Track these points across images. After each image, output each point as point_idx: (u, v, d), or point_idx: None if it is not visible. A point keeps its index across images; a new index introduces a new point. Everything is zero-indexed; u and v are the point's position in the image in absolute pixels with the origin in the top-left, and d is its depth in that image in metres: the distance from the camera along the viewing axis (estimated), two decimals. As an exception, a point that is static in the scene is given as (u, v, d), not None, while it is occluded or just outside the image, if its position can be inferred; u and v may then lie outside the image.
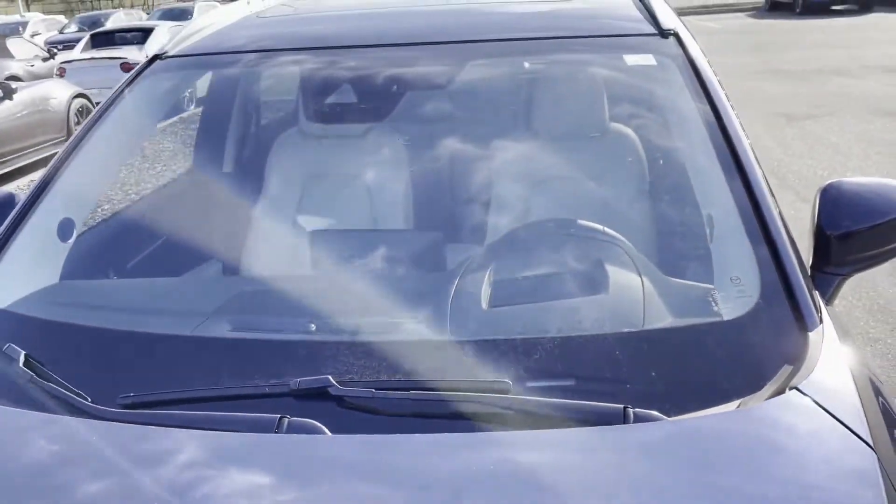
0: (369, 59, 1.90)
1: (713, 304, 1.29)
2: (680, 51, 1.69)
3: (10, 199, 1.85)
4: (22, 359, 1.28)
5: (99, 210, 1.98)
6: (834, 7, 18.01)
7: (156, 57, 2.02)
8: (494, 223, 1.83)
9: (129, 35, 11.19)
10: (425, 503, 0.98)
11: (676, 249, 1.57)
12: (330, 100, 2.13)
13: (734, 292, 1.28)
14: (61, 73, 10.29)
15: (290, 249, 2.01)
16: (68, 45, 15.39)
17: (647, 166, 1.81)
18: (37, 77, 10.49)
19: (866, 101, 8.23)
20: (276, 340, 1.34)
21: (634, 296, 1.31)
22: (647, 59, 1.69)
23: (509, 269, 1.43)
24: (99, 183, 1.90)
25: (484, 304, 1.34)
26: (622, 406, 1.06)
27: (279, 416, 1.10)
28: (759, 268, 1.27)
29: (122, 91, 1.94)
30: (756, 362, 1.16)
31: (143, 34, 11.00)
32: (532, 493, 0.97)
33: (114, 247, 2.07)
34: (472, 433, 1.08)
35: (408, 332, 1.32)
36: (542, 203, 1.77)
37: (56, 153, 1.84)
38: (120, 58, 10.37)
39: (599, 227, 1.58)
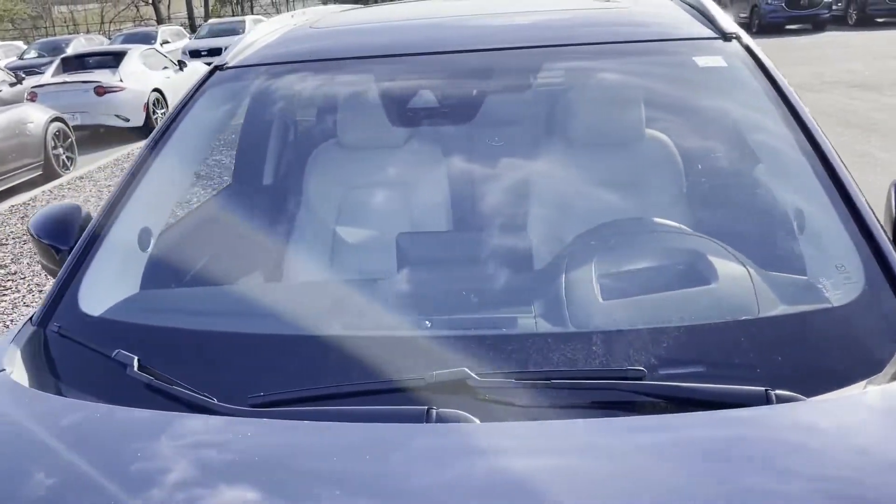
0: (416, 68, 1.94)
1: (823, 291, 1.34)
2: (745, 53, 1.76)
3: (76, 211, 1.84)
4: (136, 363, 1.28)
5: (172, 219, 1.97)
6: (788, 27, 18.63)
7: (216, 68, 2.03)
8: (553, 228, 1.87)
9: (101, 59, 11.05)
10: (592, 483, 1.00)
11: (766, 243, 1.62)
12: (372, 110, 2.15)
13: (840, 279, 1.34)
14: (32, 97, 10.12)
15: (328, 255, 2.03)
16: (30, 70, 15.16)
17: (724, 165, 1.87)
18: (6, 103, 10.29)
19: (834, 115, 8.52)
20: (395, 337, 1.35)
21: (744, 285, 1.36)
22: (717, 61, 1.75)
23: (612, 262, 1.47)
24: (173, 191, 1.90)
25: (599, 297, 1.37)
26: (764, 388, 1.10)
27: (426, 407, 1.12)
28: (860, 256, 1.33)
29: (187, 102, 1.95)
30: (875, 344, 1.22)
31: (115, 58, 10.88)
32: (697, 466, 1.01)
33: (185, 255, 2.06)
34: (617, 418, 1.11)
35: (528, 325, 1.34)
36: (623, 201, 1.81)
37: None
38: (94, 81, 10.23)
39: (680, 226, 1.63)
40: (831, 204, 1.42)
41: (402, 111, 2.09)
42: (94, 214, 1.73)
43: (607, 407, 1.14)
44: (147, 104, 10.63)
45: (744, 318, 1.29)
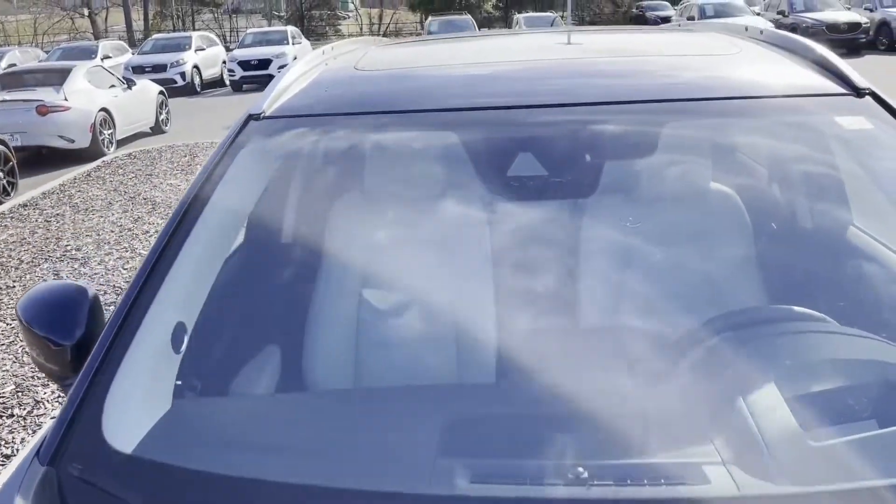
0: (481, 121, 1.63)
1: None
2: (884, 111, 1.53)
3: (81, 295, 1.47)
4: None
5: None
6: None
7: (250, 117, 1.70)
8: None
9: (43, 76, 10.39)
10: None
11: None
12: (429, 164, 1.83)
13: None
14: (-34, 116, 9.42)
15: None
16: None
17: (862, 245, 1.63)
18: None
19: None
20: (538, 498, 1.03)
21: None
22: (861, 122, 1.51)
23: (800, 378, 1.19)
24: (210, 274, 1.54)
25: (804, 434, 1.08)
26: None
27: None
28: None
29: (221, 158, 1.60)
30: None
31: (59, 75, 10.24)
32: None
33: (218, 348, 1.71)
34: None
35: (722, 479, 1.03)
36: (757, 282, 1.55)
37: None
38: (36, 100, 9.59)
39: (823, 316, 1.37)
40: None
41: (498, 178, 1.77)
42: (115, 300, 1.37)
43: None
44: (94, 124, 10.02)
45: None
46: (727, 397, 1.15)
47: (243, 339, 1.92)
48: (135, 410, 1.24)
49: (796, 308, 1.54)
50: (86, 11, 37.47)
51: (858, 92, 1.57)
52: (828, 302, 1.57)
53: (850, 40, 18.45)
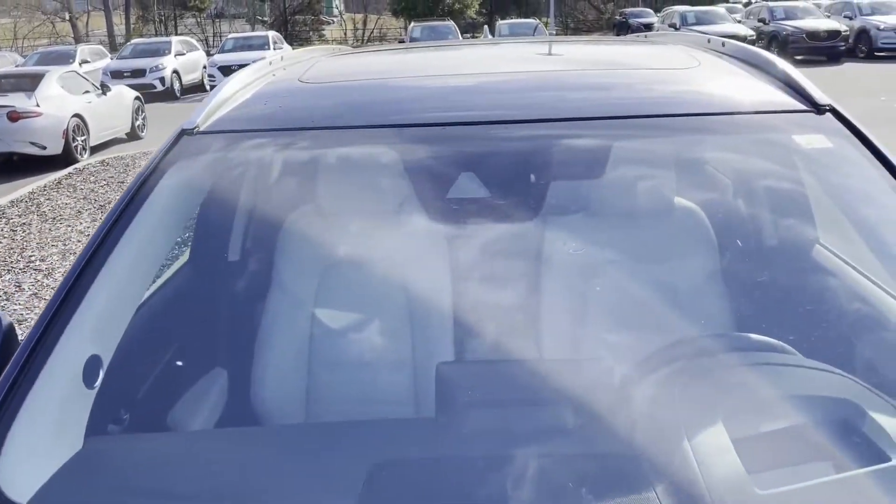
0: (425, 138, 1.54)
1: None
2: (843, 127, 1.46)
3: (10, 333, 1.36)
4: None
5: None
6: (803, 58, 18.93)
7: (183, 132, 1.60)
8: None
9: (15, 81, 10.22)
10: None
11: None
12: (369, 181, 1.74)
13: None
14: (-65, 122, 9.24)
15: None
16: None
17: (828, 264, 1.56)
18: None
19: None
20: None
21: None
22: (820, 141, 1.44)
23: (746, 418, 1.11)
24: (130, 303, 1.44)
25: (752, 482, 1.00)
26: None
27: None
28: None
29: (148, 176, 1.51)
30: None
31: (31, 80, 10.07)
32: None
33: (136, 376, 1.61)
34: None
35: None
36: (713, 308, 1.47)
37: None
38: (7, 106, 9.42)
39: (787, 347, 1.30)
40: None
41: (437, 199, 1.68)
42: (26, 327, 1.27)
43: None
44: (66, 131, 9.86)
45: None
46: (673, 439, 1.07)
47: (184, 367, 1.82)
48: (37, 455, 1.14)
49: (753, 336, 1.46)
50: (67, 15, 37.16)
51: (819, 108, 1.50)
52: (791, 325, 1.50)
53: (829, 48, 18.58)
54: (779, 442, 1.07)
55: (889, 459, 1.02)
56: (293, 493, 1.07)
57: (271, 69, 1.99)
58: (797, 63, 18.58)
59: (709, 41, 2.04)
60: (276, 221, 1.87)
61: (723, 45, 1.94)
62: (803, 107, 1.51)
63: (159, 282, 2.06)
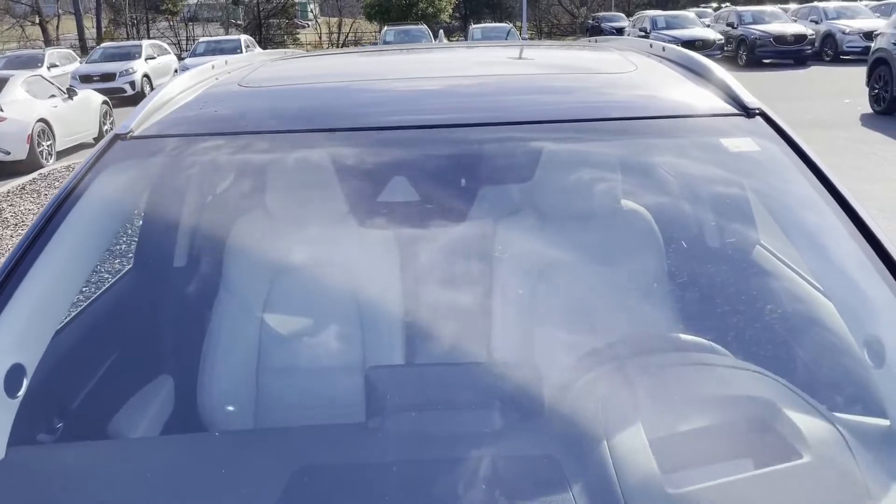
0: (359, 142, 1.55)
1: None
2: (772, 131, 1.49)
3: None
4: None
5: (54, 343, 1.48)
6: (765, 60, 19.30)
7: (116, 137, 1.58)
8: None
9: (-23, 85, 10.06)
10: None
11: (828, 375, 1.33)
12: (306, 186, 1.74)
13: None
14: None
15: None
16: None
17: (763, 267, 1.58)
18: None
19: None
20: None
21: (839, 456, 1.04)
22: (748, 144, 1.46)
23: (664, 417, 1.12)
24: (57, 311, 1.42)
25: (663, 481, 1.02)
26: None
27: None
28: None
29: (77, 183, 1.49)
30: None
31: (-6, 85, 9.93)
32: None
33: (73, 380, 1.59)
34: None
35: None
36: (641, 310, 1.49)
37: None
38: (-32, 112, 9.27)
39: (715, 346, 1.32)
40: None
41: (370, 202, 1.68)
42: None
43: None
44: (31, 136, 9.72)
45: None
46: (593, 440, 1.09)
47: (127, 374, 1.80)
48: None
49: (684, 336, 1.49)
50: (36, 19, 36.66)
51: (749, 112, 1.53)
52: (730, 326, 1.52)
53: (796, 51, 18.88)
54: (694, 441, 1.09)
55: (801, 457, 1.04)
56: (208, 500, 1.07)
57: (214, 73, 1.97)
58: (765, 66, 18.99)
59: (650, 46, 2.07)
60: (220, 226, 1.85)
61: (663, 49, 1.96)
62: (734, 110, 1.54)
63: (103, 289, 2.04)
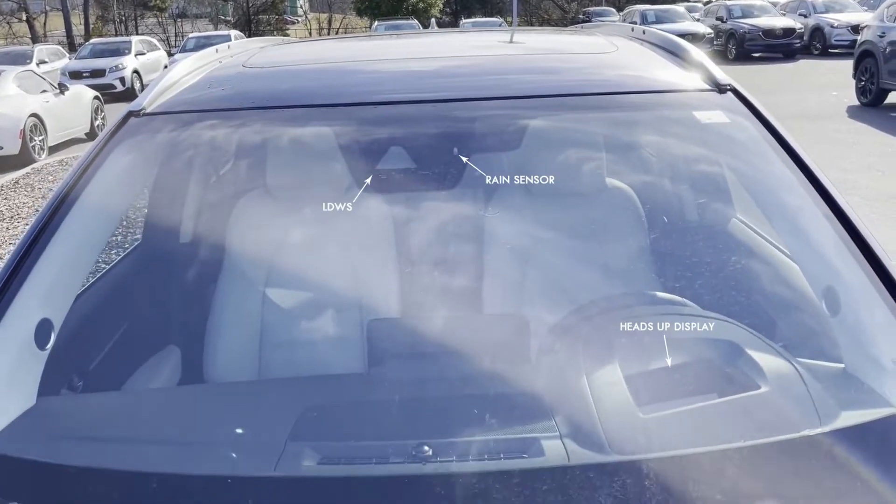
0: (358, 117, 1.65)
1: (872, 385, 1.16)
2: (743, 106, 1.60)
3: None
4: None
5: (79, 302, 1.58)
6: (754, 54, 19.41)
7: (130, 113, 1.68)
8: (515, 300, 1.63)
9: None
10: None
11: (790, 324, 1.44)
12: (309, 159, 1.84)
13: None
14: None
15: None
16: None
17: (732, 231, 1.69)
18: None
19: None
20: (387, 476, 1.06)
21: (797, 387, 1.16)
22: (718, 116, 1.57)
23: (637, 357, 1.24)
24: (79, 271, 1.52)
25: (637, 409, 1.13)
26: None
27: None
28: None
29: (95, 156, 1.59)
30: None
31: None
32: None
33: (90, 346, 1.68)
34: None
35: (557, 451, 1.08)
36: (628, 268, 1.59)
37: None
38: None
39: (683, 300, 1.43)
40: (867, 280, 1.25)
41: (368, 171, 1.79)
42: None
43: None
44: (23, 130, 9.75)
45: (813, 432, 1.08)
46: (574, 377, 1.20)
47: (137, 343, 1.90)
48: None
49: (659, 293, 1.60)
50: (24, 16, 36.49)
51: (721, 88, 1.64)
52: (703, 289, 1.63)
53: (785, 45, 19.04)
54: (664, 376, 1.20)
55: (759, 388, 1.15)
56: (229, 435, 1.17)
57: (218, 56, 2.07)
58: (754, 60, 19.15)
59: (632, 30, 2.18)
60: (226, 201, 1.95)
61: (643, 32, 2.07)
62: (707, 86, 1.65)
63: (114, 262, 2.14)
